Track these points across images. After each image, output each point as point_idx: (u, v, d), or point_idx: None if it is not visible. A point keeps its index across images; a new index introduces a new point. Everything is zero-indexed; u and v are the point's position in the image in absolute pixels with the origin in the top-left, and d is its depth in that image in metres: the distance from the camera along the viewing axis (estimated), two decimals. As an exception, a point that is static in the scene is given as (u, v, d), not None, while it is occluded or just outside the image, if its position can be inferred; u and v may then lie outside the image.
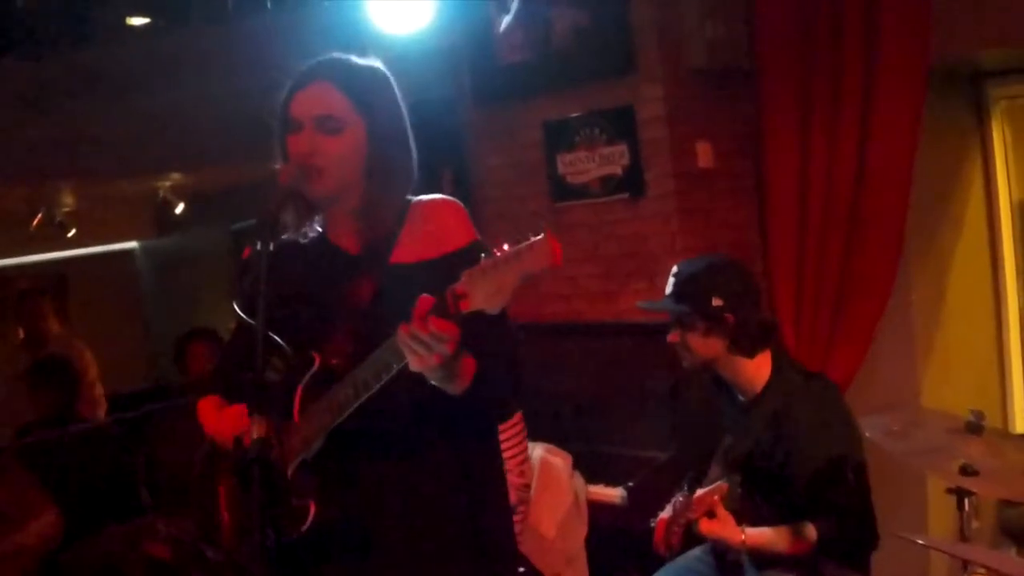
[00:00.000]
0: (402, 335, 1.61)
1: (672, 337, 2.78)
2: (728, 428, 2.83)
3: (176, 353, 5.06)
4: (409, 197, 1.99)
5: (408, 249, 1.89)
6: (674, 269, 2.82)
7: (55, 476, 3.96)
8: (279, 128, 1.93)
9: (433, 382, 1.71)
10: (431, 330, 1.57)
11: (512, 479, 3.28)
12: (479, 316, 1.58)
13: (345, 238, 1.97)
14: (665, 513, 2.80)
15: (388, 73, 1.99)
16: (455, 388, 1.74)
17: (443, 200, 1.97)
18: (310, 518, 1.82)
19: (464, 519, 1.90)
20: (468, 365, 1.74)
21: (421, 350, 1.60)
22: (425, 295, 1.59)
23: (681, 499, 2.71)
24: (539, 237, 1.52)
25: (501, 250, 1.53)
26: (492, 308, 1.55)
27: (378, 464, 1.87)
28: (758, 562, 2.66)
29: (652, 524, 2.83)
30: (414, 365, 1.64)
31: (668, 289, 2.80)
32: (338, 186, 1.89)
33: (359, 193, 1.92)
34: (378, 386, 1.72)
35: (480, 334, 1.71)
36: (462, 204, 1.97)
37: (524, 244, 1.52)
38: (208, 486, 2.01)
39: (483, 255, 1.56)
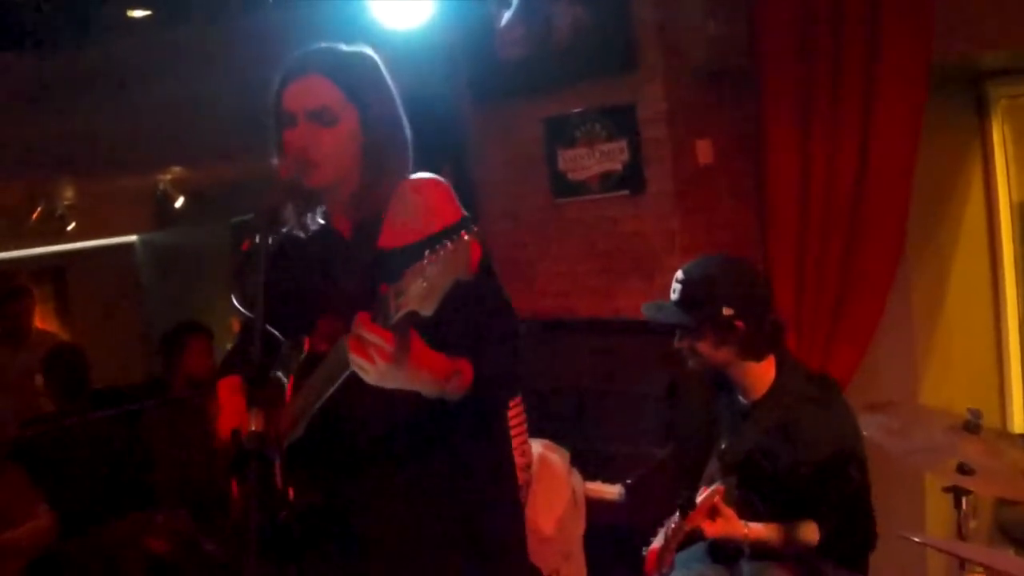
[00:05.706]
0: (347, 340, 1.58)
1: (679, 344, 2.70)
2: (725, 430, 2.80)
3: (169, 348, 4.68)
4: None
5: (395, 232, 1.85)
6: (679, 275, 2.70)
7: (53, 471, 3.95)
8: (274, 122, 1.92)
9: (428, 396, 1.69)
10: (360, 334, 1.54)
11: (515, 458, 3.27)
12: (482, 309, 1.59)
13: (342, 223, 1.98)
14: (657, 542, 2.69)
15: (376, 57, 1.97)
16: (451, 395, 1.72)
17: (426, 179, 1.94)
18: (288, 504, 1.83)
19: (460, 516, 1.88)
20: (464, 372, 1.72)
21: (366, 351, 1.56)
22: (362, 312, 1.56)
23: (673, 526, 2.60)
24: (459, 241, 1.45)
25: (442, 248, 1.45)
26: (425, 310, 1.48)
27: (365, 456, 1.87)
28: (756, 554, 2.65)
29: (644, 553, 2.72)
30: (359, 372, 1.60)
31: (674, 295, 2.69)
32: (335, 176, 1.89)
33: (356, 179, 1.91)
34: (345, 374, 1.69)
35: (480, 327, 1.72)
36: (446, 181, 1.94)
37: (447, 248, 1.44)
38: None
39: (466, 234, 1.47)
